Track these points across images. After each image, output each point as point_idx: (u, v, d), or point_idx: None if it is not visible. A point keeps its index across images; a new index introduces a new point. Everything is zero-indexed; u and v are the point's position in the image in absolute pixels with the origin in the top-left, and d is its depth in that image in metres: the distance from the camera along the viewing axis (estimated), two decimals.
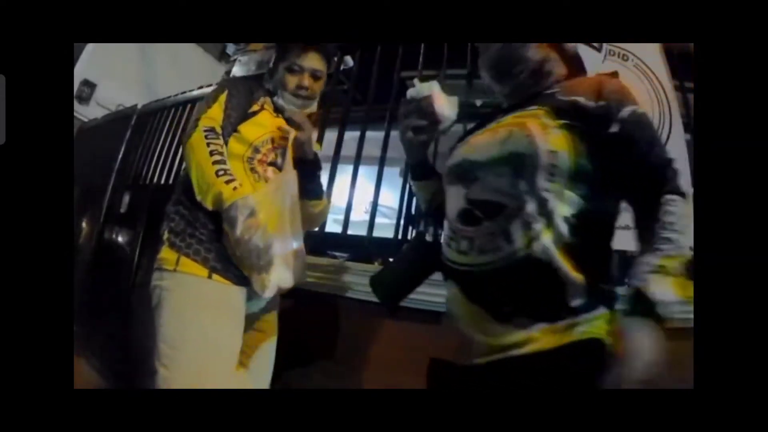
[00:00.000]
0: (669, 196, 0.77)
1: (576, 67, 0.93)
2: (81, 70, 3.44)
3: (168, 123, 2.67)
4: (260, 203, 1.08)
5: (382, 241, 1.94)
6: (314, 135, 1.29)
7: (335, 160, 2.04)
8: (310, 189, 1.28)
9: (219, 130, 1.14)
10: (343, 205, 1.98)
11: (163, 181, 2.48)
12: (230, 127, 1.18)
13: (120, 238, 2.55)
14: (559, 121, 0.78)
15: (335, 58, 2.23)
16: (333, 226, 2.07)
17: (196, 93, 2.57)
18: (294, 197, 1.20)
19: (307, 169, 1.27)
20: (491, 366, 0.77)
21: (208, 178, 1.06)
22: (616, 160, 0.77)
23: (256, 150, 1.20)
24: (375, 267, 1.68)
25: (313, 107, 1.34)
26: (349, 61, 2.41)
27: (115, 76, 3.65)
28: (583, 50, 1.85)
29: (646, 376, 0.70)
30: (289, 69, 1.28)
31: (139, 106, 2.99)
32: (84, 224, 2.88)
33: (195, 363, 1.01)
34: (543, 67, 0.88)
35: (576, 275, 0.74)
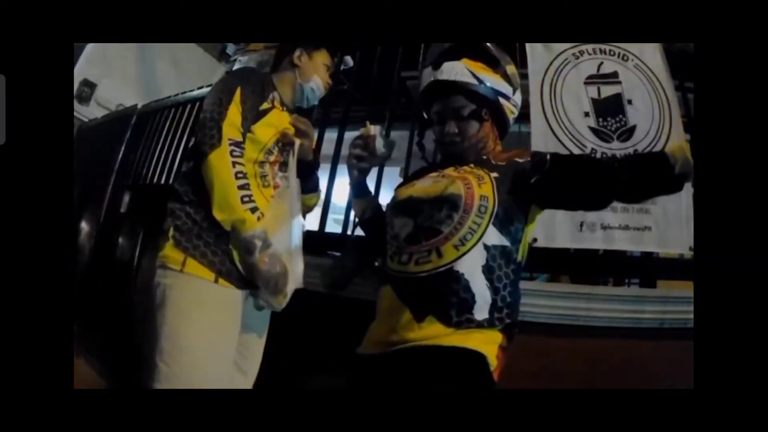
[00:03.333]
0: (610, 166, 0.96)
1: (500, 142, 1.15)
2: (81, 70, 3.44)
3: (168, 123, 2.66)
4: (272, 222, 1.11)
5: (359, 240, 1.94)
6: (314, 138, 1.32)
7: (335, 160, 2.03)
8: (308, 186, 1.31)
9: (242, 139, 1.13)
10: (343, 205, 1.98)
11: (163, 181, 2.47)
12: (246, 129, 1.16)
13: (120, 238, 2.55)
14: (492, 174, 1.02)
15: (335, 58, 2.23)
16: (333, 226, 2.07)
17: (196, 93, 2.57)
18: (298, 204, 1.21)
19: (307, 168, 1.29)
20: (384, 356, 0.95)
21: (232, 202, 1.07)
22: (559, 184, 1.00)
23: (269, 152, 1.20)
24: (374, 266, 1.67)
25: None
26: (349, 61, 2.41)
27: (115, 76, 3.65)
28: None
29: None
30: (327, 65, 1.34)
31: (139, 106, 2.99)
32: (84, 224, 2.88)
33: (196, 362, 1.03)
34: (480, 141, 1.09)
35: (485, 293, 0.94)
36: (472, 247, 0.96)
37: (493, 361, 0.93)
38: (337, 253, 1.98)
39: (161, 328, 1.05)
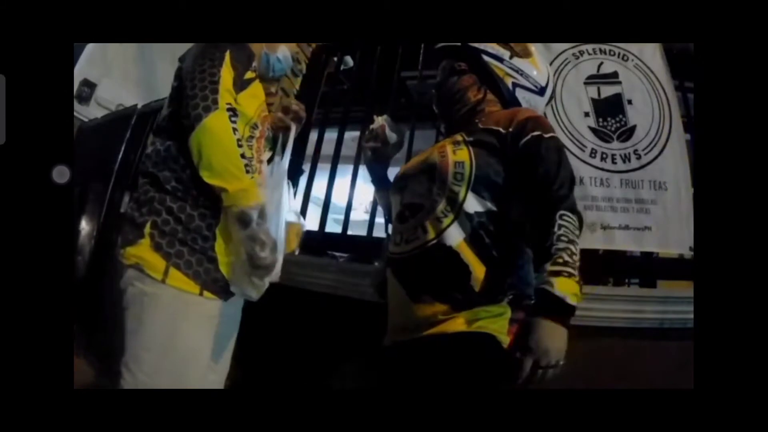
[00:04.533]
0: (563, 212, 0.87)
1: (510, 104, 1.09)
2: (81, 70, 3.44)
3: None
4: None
5: (383, 241, 1.94)
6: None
7: (335, 160, 2.03)
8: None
9: (235, 106, 1.02)
10: (343, 205, 1.98)
11: None
12: (233, 98, 1.05)
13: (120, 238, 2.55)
14: (468, 138, 0.99)
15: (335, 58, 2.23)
16: (333, 226, 2.07)
17: None
18: (286, 193, 1.14)
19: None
20: (399, 346, 0.95)
21: (235, 170, 0.96)
22: (521, 174, 0.94)
23: (254, 127, 1.12)
24: (375, 267, 1.67)
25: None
26: (349, 61, 2.41)
27: (115, 76, 3.64)
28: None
29: (550, 372, 0.81)
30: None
31: (139, 106, 2.98)
32: (84, 224, 2.87)
33: (175, 375, 0.98)
34: (477, 106, 1.07)
35: (477, 265, 0.90)
36: (454, 218, 0.92)
37: (504, 339, 0.88)
38: (337, 254, 1.98)
39: (141, 336, 0.98)
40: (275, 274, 1.03)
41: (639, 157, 1.70)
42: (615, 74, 1.81)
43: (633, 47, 1.84)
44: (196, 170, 0.99)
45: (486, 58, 1.07)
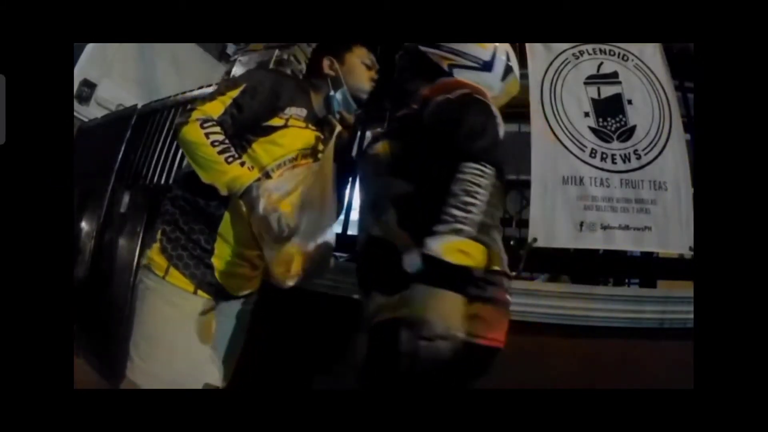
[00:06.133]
0: (465, 164, 0.82)
1: None
2: (81, 70, 3.44)
3: (168, 123, 2.66)
4: (296, 185, 1.09)
5: None
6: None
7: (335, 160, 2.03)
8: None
9: (213, 119, 1.06)
10: (343, 205, 1.97)
11: (163, 181, 2.47)
12: (235, 130, 1.09)
13: (120, 238, 2.55)
14: (387, 129, 1.05)
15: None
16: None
17: (196, 93, 2.56)
18: (331, 189, 1.13)
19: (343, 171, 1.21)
20: (370, 331, 0.90)
21: (218, 166, 1.02)
22: (436, 144, 0.89)
23: (267, 175, 1.11)
24: None
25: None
26: None
27: (115, 76, 3.64)
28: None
29: (441, 344, 0.74)
30: (365, 63, 1.23)
31: (139, 106, 2.98)
32: (84, 224, 2.88)
33: (166, 361, 1.08)
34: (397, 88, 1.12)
35: (409, 248, 0.83)
36: (382, 209, 0.94)
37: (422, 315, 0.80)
38: (337, 254, 1.98)
39: (138, 325, 1.11)
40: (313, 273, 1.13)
41: (639, 157, 1.70)
42: (615, 74, 1.81)
43: (633, 47, 1.84)
44: (199, 191, 1.10)
45: (422, 48, 1.08)
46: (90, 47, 3.49)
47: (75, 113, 3.38)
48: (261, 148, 1.12)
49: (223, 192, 1.04)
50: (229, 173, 1.02)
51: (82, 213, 2.90)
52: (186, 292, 1.10)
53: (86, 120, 3.49)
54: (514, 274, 1.76)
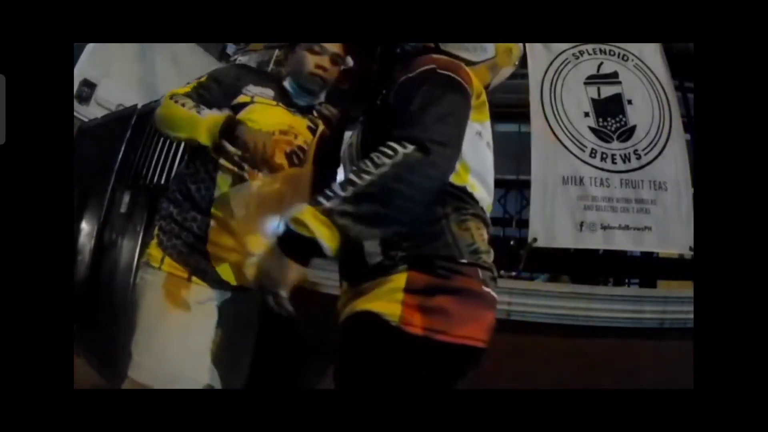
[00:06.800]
0: (385, 144, 0.75)
1: None
2: (81, 70, 3.43)
3: None
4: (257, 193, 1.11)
5: None
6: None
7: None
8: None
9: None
10: None
11: (163, 181, 2.47)
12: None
13: (120, 238, 2.55)
14: (362, 120, 0.96)
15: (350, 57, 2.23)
16: None
17: None
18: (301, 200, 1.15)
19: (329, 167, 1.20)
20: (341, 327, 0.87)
21: (192, 119, 1.09)
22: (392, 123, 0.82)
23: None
24: None
25: (320, 98, 1.30)
26: (349, 61, 2.41)
27: (115, 76, 3.64)
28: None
29: (270, 299, 0.79)
30: (311, 49, 1.23)
31: (139, 106, 2.98)
32: (84, 224, 2.88)
33: (166, 355, 1.07)
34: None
35: (369, 241, 0.79)
36: (342, 201, 0.86)
37: (393, 312, 0.75)
38: None
39: (138, 322, 1.11)
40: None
41: (639, 157, 1.71)
42: (615, 74, 1.82)
43: (633, 47, 1.84)
44: (189, 176, 1.16)
45: (407, 47, 1.01)
46: (90, 47, 3.49)
47: (75, 113, 3.38)
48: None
49: (205, 141, 1.09)
50: (204, 120, 1.08)
51: (82, 213, 2.90)
52: (180, 278, 1.11)
53: (86, 120, 3.49)
54: (514, 273, 1.76)
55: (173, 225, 1.14)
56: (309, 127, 1.24)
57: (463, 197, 0.85)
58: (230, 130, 1.08)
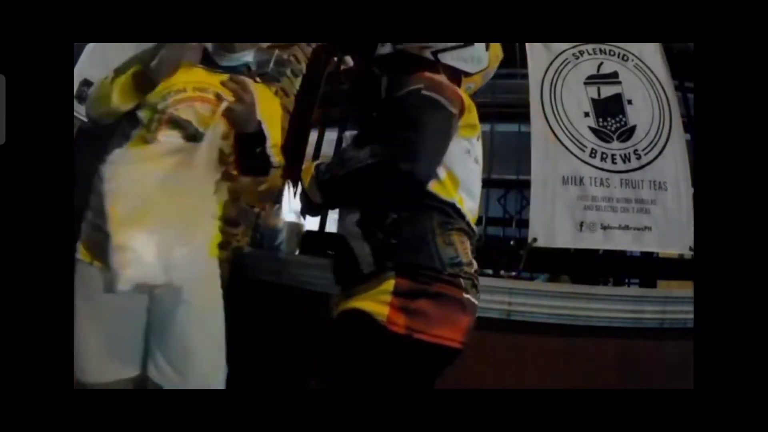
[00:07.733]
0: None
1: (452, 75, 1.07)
2: (81, 70, 3.44)
3: None
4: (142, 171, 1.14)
5: None
6: (256, 103, 1.08)
7: None
8: (252, 166, 1.14)
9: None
10: None
11: None
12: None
13: None
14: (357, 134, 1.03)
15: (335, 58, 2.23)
16: (333, 226, 2.07)
17: None
18: (203, 184, 1.08)
19: (248, 143, 1.11)
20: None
21: (102, 83, 1.15)
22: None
23: (164, 98, 1.13)
24: None
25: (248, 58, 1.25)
26: (349, 61, 2.41)
27: None
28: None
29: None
30: None
31: None
32: (84, 224, 2.88)
33: (78, 346, 0.98)
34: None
35: (362, 244, 0.89)
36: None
37: (381, 312, 0.82)
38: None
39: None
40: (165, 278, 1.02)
41: (639, 157, 1.71)
42: (615, 74, 1.82)
43: (633, 47, 1.84)
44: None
45: (399, 46, 1.03)
46: (90, 47, 3.48)
47: (75, 113, 3.37)
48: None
49: (117, 100, 1.12)
50: (114, 79, 1.12)
51: (82, 213, 2.90)
52: (85, 263, 1.10)
53: (86, 120, 3.49)
54: (514, 273, 1.75)
55: (86, 213, 1.17)
56: (223, 83, 1.12)
57: (450, 213, 0.92)
58: (144, 76, 1.10)
